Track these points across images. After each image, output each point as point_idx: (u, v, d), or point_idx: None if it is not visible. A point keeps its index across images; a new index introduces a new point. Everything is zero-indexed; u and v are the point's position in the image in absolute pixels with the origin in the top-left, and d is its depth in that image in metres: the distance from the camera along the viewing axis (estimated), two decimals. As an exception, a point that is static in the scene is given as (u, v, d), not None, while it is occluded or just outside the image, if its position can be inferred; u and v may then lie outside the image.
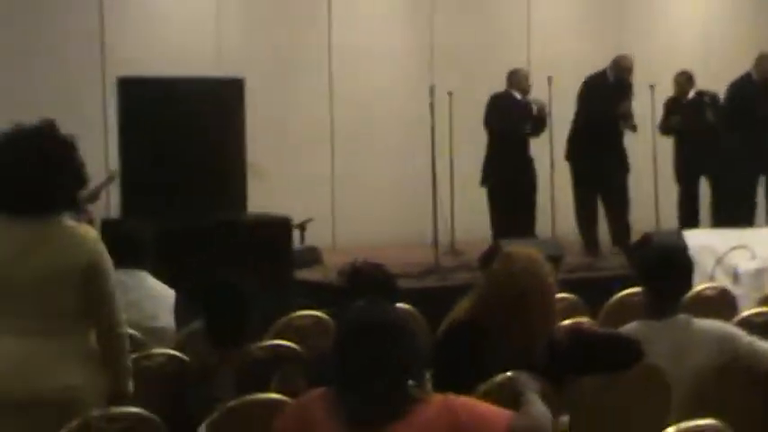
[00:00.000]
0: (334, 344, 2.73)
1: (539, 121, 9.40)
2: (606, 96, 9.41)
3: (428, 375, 3.56)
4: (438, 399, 2.77)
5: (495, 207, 9.43)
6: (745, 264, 7.51)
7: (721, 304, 5.73)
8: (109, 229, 6.18)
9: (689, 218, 9.83)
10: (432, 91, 9.14)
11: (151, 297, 4.96)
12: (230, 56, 10.00)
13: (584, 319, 4.98)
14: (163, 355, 4.33)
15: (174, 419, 3.52)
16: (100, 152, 8.80)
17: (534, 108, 9.37)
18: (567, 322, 4.45)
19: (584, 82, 9.56)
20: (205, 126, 7.56)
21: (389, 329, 2.68)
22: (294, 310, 5.40)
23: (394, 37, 10.94)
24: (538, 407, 3.15)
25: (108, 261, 3.60)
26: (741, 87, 9.68)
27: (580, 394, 3.65)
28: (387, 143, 10.76)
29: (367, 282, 4.13)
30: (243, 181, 7.81)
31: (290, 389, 3.59)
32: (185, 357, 4.26)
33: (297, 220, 8.71)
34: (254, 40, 10.29)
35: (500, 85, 9.57)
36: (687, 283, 4.31)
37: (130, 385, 3.67)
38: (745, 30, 11.91)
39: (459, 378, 3.45)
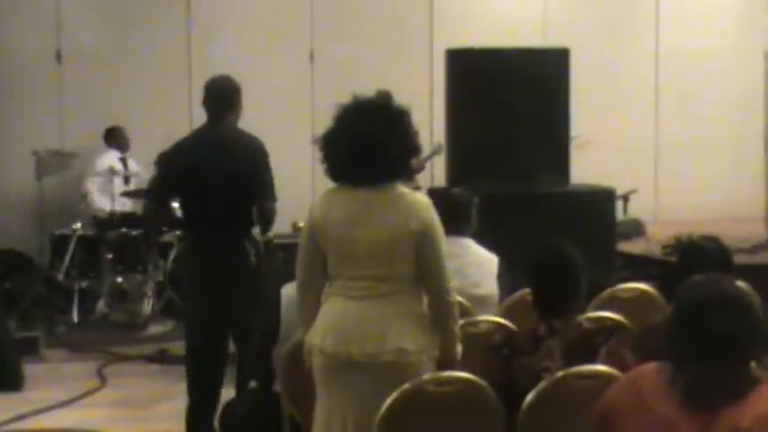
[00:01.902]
0: (674, 318, 2.65)
1: None
2: None
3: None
4: (779, 381, 2.64)
5: None
6: None
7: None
8: (435, 197, 6.31)
9: None
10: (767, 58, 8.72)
11: (475, 264, 5.03)
12: (556, 26, 9.96)
13: None
14: (489, 322, 4.40)
15: (501, 387, 3.56)
16: (426, 123, 9.03)
17: None
18: None
19: None
20: (530, 97, 7.57)
21: (735, 306, 2.57)
22: (616, 283, 5.33)
23: (728, 4, 10.50)
24: None
25: (439, 228, 3.68)
26: None
27: None
28: (714, 110, 10.38)
29: (701, 255, 4.00)
30: (566, 151, 7.77)
31: (617, 362, 3.54)
32: (511, 325, 4.30)
33: (620, 191, 8.57)
34: (580, 11, 10.19)
35: None
36: None
37: (459, 350, 3.75)
38: None
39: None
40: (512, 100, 7.57)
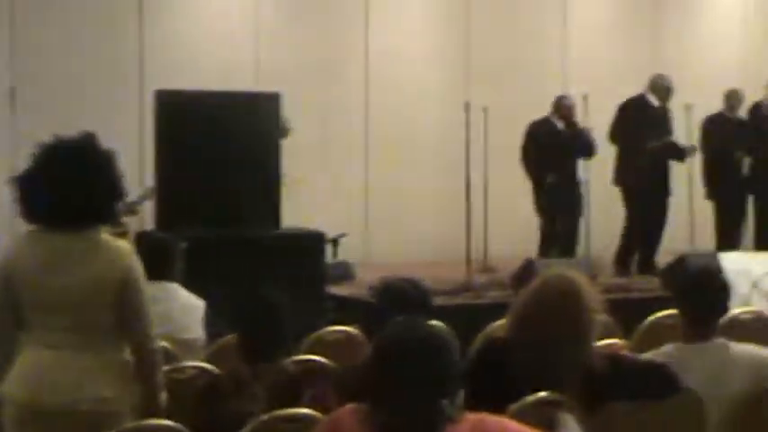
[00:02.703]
0: (370, 359, 2.72)
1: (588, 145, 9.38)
2: (653, 122, 9.38)
3: (461, 394, 3.54)
4: (471, 418, 2.75)
5: (546, 233, 9.39)
6: (781, 288, 7.46)
7: (758, 329, 5.66)
8: (141, 241, 6.22)
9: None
10: (467, 107, 9.15)
11: (182, 309, 4.98)
12: (268, 69, 10.06)
13: (617, 341, 4.94)
14: (194, 367, 4.34)
15: (205, 433, 3.52)
16: (135, 166, 8.85)
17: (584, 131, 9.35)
18: (600, 344, 4.40)
19: (623, 108, 9.50)
20: (241, 140, 7.59)
21: (427, 346, 2.66)
22: (326, 326, 5.40)
23: (430, 52, 10.98)
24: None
25: (141, 276, 3.61)
26: None
27: (612, 418, 3.61)
28: (421, 159, 10.77)
29: (401, 298, 4.11)
30: (277, 195, 7.82)
31: (321, 404, 3.58)
32: (217, 370, 4.27)
33: (331, 234, 8.72)
34: (292, 54, 10.34)
35: (535, 101, 9.54)
36: (724, 306, 4.25)
37: (163, 398, 3.68)
38: None
39: (491, 397, 3.42)
40: (223, 143, 7.56)
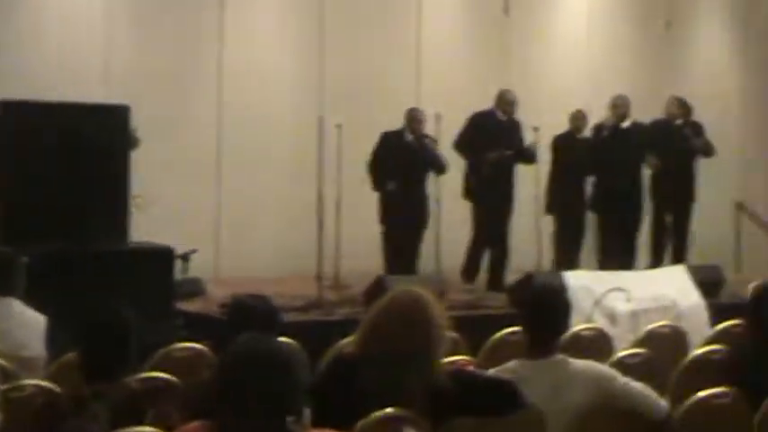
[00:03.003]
0: (215, 376, 2.69)
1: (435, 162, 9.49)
2: (500, 135, 9.60)
3: (308, 411, 3.53)
4: (316, 434, 2.75)
5: (388, 243, 9.46)
6: (622, 306, 7.68)
7: (598, 345, 5.82)
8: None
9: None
10: (320, 122, 9.16)
11: (22, 326, 4.85)
12: (118, 80, 9.88)
13: (464, 357, 5.01)
14: (33, 386, 4.21)
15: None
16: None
17: (429, 144, 9.45)
18: (447, 360, 4.46)
19: (471, 119, 9.71)
20: (89, 153, 7.43)
21: (270, 363, 2.65)
22: (174, 342, 5.33)
23: (285, 65, 10.97)
24: None
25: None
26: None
27: (456, 432, 3.66)
28: (274, 174, 10.74)
29: (249, 314, 4.08)
30: (126, 210, 7.68)
31: (164, 422, 3.52)
32: (58, 389, 4.15)
33: (181, 249, 8.60)
34: (143, 67, 10.18)
35: (389, 118, 9.63)
36: (565, 323, 4.36)
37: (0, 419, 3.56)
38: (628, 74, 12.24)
39: (339, 413, 3.42)
40: (70, 156, 7.39)
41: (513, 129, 9.79)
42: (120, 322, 3.76)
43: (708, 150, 10.43)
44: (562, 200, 10.09)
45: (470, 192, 9.70)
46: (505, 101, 9.75)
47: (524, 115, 9.89)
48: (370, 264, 9.37)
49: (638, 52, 12.62)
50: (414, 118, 9.52)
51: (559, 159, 10.17)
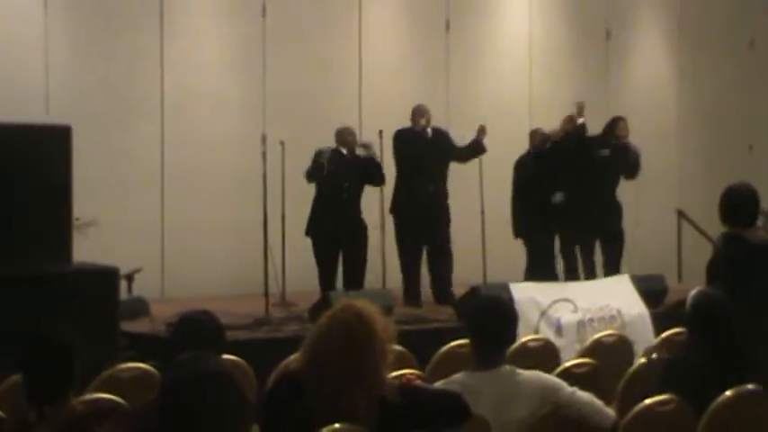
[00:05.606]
0: (159, 396, 2.68)
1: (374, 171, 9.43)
2: (425, 149, 9.60)
3: (257, 428, 3.52)
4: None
5: (319, 258, 9.40)
6: (567, 316, 7.74)
7: (544, 356, 5.86)
8: None
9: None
10: (264, 140, 9.13)
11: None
12: (59, 102, 9.79)
13: (412, 371, 5.02)
14: (-22, 411, 4.16)
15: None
16: None
17: (362, 151, 9.39)
18: (395, 374, 4.46)
19: (396, 135, 9.66)
20: (28, 174, 7.32)
21: (214, 381, 2.64)
22: (120, 363, 5.28)
23: (226, 84, 10.94)
24: None
25: None
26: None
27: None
28: (218, 192, 10.70)
29: (194, 332, 4.06)
30: (68, 230, 7.58)
31: (110, 444, 3.49)
32: (2, 414, 4.10)
33: (126, 270, 8.52)
34: (85, 88, 10.11)
35: (331, 135, 9.62)
36: (511, 334, 4.39)
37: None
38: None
39: (286, 430, 3.41)
40: (9, 177, 7.28)
41: (439, 142, 9.70)
42: (61, 344, 3.71)
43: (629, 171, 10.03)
44: (527, 222, 10.02)
45: (396, 209, 9.64)
46: (420, 113, 9.61)
47: (466, 131, 9.91)
48: (316, 280, 9.35)
49: (581, 64, 12.74)
50: (342, 133, 9.44)
51: (519, 181, 10.14)
